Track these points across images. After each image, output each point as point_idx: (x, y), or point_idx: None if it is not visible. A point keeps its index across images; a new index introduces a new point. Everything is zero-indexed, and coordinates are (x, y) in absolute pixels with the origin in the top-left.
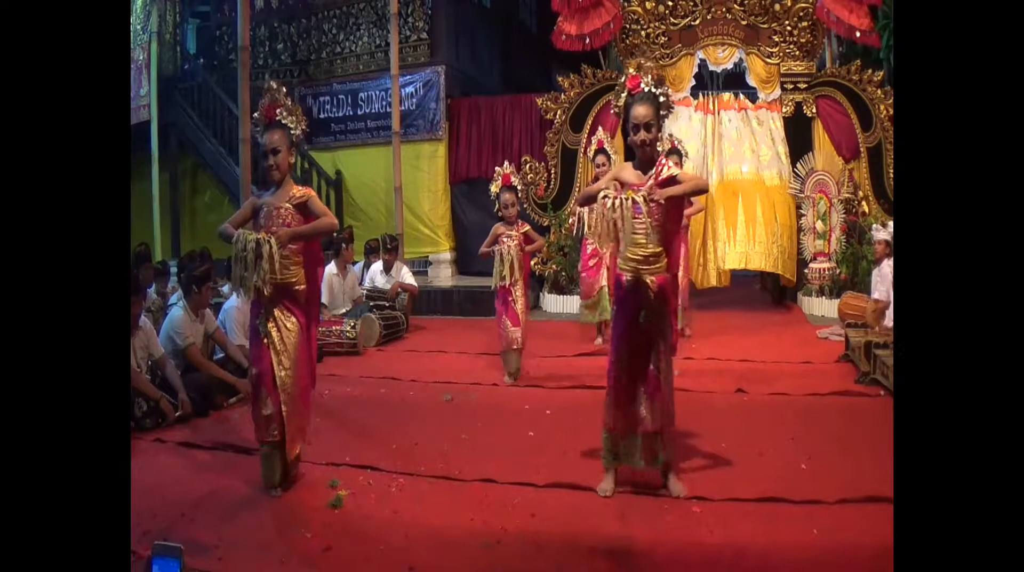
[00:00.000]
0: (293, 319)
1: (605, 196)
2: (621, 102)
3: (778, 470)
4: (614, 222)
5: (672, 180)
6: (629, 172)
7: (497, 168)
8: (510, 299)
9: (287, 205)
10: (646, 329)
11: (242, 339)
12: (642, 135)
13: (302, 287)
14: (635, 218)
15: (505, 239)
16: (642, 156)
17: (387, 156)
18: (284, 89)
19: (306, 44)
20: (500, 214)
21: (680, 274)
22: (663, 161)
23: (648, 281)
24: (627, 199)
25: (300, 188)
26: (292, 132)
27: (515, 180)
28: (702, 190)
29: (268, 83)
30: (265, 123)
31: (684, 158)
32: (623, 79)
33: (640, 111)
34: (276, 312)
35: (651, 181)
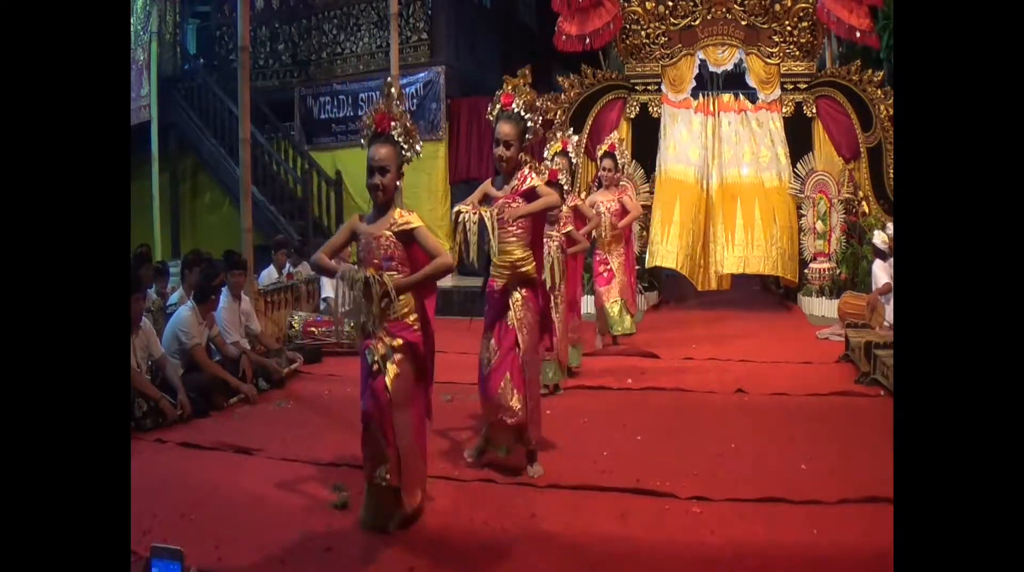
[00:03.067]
0: (406, 355)
1: (458, 212)
2: (495, 112)
3: (778, 470)
4: (467, 236)
5: (532, 192)
6: (491, 187)
7: (545, 162)
8: (550, 306)
9: (388, 233)
10: (510, 330)
11: (236, 336)
12: (500, 151)
13: (414, 317)
14: (501, 229)
15: (546, 240)
16: (501, 170)
17: None
18: (404, 102)
19: (306, 45)
20: None
21: (622, 279)
22: (524, 173)
23: (514, 285)
24: (475, 217)
25: (405, 213)
26: (404, 153)
27: (562, 178)
28: (552, 207)
29: (388, 86)
30: (375, 133)
31: (621, 163)
32: (499, 92)
33: (503, 129)
34: (388, 343)
35: (512, 192)
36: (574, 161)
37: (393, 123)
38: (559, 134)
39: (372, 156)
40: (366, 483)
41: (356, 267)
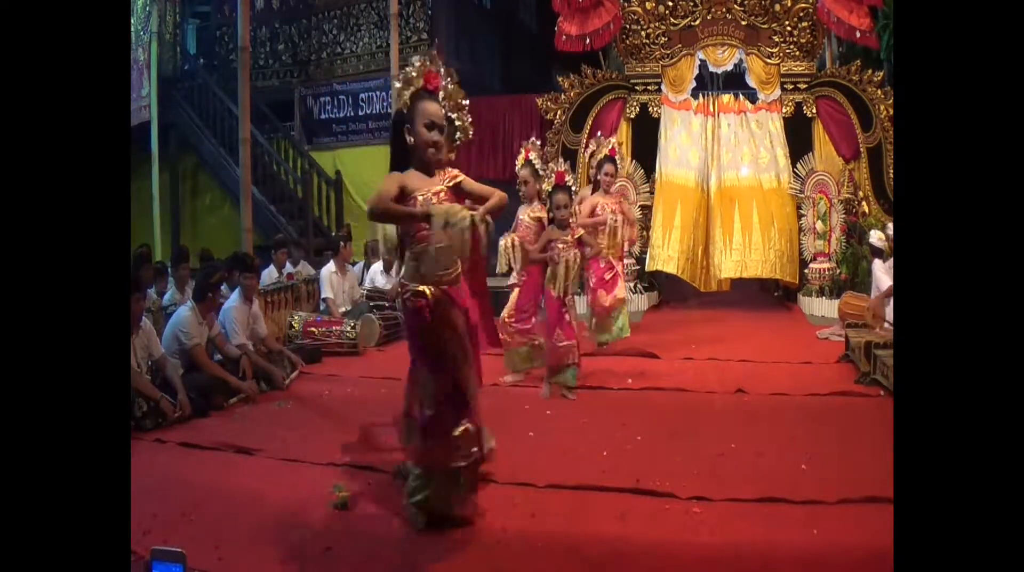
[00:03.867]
0: (469, 313)
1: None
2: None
3: (778, 470)
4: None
5: (459, 187)
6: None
7: (550, 164)
8: (564, 311)
9: (444, 188)
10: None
11: (243, 338)
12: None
13: (461, 279)
14: None
15: (561, 245)
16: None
17: (387, 156)
18: (443, 58)
19: (306, 45)
20: (551, 217)
21: (611, 295)
22: (452, 172)
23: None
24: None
25: (452, 170)
26: (454, 123)
27: (570, 179)
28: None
29: (428, 54)
30: (422, 89)
31: (620, 166)
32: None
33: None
34: (455, 308)
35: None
36: (539, 168)
37: (443, 83)
38: (525, 142)
39: (429, 111)
40: (436, 470)
41: (450, 206)
